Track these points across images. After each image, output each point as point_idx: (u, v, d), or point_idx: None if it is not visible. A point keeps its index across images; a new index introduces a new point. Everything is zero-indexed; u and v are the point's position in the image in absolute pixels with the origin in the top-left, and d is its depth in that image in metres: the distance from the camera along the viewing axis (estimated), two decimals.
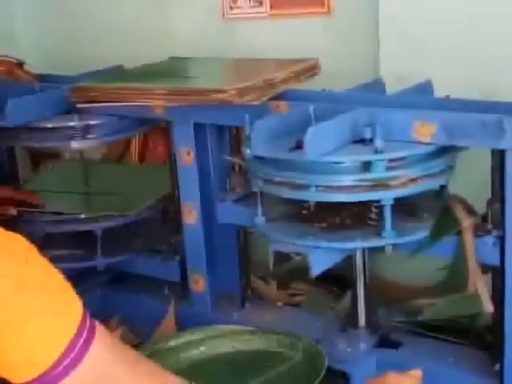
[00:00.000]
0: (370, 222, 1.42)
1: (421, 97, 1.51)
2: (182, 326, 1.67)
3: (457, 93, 1.47)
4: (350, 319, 1.56)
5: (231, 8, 2.03)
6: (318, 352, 1.42)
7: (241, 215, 1.60)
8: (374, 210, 1.41)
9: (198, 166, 1.66)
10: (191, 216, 1.68)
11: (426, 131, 1.34)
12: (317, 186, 1.34)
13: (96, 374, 0.99)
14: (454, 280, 1.43)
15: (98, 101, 1.68)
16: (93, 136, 1.71)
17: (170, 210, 1.82)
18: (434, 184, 1.40)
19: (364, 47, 1.82)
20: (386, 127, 1.34)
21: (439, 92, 1.54)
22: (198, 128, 1.64)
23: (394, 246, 1.38)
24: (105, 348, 1.00)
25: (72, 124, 1.69)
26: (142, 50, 2.11)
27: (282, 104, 1.53)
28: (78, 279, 1.81)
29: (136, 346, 1.52)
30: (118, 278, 1.93)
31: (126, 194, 1.89)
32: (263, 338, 1.51)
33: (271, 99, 1.54)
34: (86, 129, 1.69)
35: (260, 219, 1.47)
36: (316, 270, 1.35)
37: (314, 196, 1.36)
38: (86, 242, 1.79)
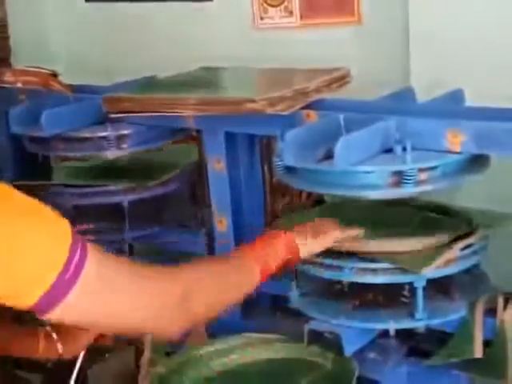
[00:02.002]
0: (402, 300, 1.44)
1: (451, 105, 1.51)
2: (212, 333, 1.68)
3: (487, 101, 1.46)
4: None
5: (262, 18, 2.05)
6: (349, 361, 1.42)
7: (275, 285, 1.58)
8: (406, 287, 1.43)
9: (228, 175, 1.67)
10: (222, 225, 1.69)
11: (457, 140, 1.34)
12: (351, 268, 1.40)
13: (99, 279, 1.04)
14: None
15: (130, 111, 1.70)
16: (125, 145, 1.73)
17: (196, 185, 1.84)
18: (466, 265, 1.43)
19: (394, 56, 1.83)
20: (416, 137, 1.34)
21: (470, 101, 1.54)
22: (229, 137, 1.66)
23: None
24: (99, 258, 1.05)
25: (105, 134, 1.72)
26: (174, 59, 2.13)
27: (313, 113, 1.53)
28: None
29: (168, 354, 1.53)
30: None
31: (152, 166, 1.90)
32: (294, 347, 1.52)
33: (302, 108, 1.55)
34: (119, 138, 1.72)
35: (294, 293, 1.51)
36: (349, 349, 1.40)
37: (348, 277, 1.42)
38: (114, 216, 1.80)
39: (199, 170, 1.78)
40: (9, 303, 1.02)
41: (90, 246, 1.05)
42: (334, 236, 1.42)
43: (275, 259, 1.34)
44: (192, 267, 1.24)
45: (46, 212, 1.04)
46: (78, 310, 1.04)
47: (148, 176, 1.82)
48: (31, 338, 1.41)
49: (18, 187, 1.09)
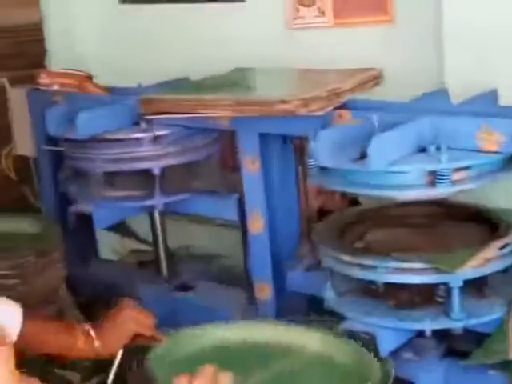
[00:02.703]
0: (438, 300, 1.44)
1: (486, 105, 1.50)
2: None
3: None
4: None
5: (295, 18, 2.05)
6: (386, 360, 1.41)
7: (310, 285, 1.63)
8: (441, 287, 1.43)
9: (262, 175, 1.68)
10: (257, 224, 1.70)
11: (492, 139, 1.34)
12: (386, 268, 1.40)
13: None
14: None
15: (165, 112, 1.72)
16: (160, 146, 1.75)
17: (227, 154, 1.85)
18: (503, 264, 1.43)
19: (428, 55, 1.82)
20: (450, 136, 1.34)
21: (504, 101, 1.53)
22: (263, 138, 1.67)
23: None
24: None
25: (140, 135, 1.74)
26: (206, 60, 2.14)
27: (346, 113, 1.54)
28: (146, 288, 1.89)
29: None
30: (183, 286, 1.96)
31: None
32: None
33: (335, 109, 1.55)
34: (154, 139, 1.73)
35: (330, 293, 1.51)
36: (384, 349, 1.40)
37: (382, 277, 1.42)
38: (145, 182, 1.80)
39: (231, 138, 1.78)
40: None
41: None
42: None
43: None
44: None
45: None
46: None
47: None
48: (68, 336, 1.43)
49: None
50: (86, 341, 1.43)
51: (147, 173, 1.77)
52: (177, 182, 1.82)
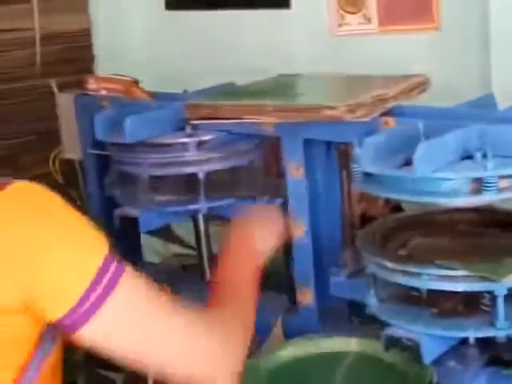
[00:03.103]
0: (482, 308, 1.43)
1: None
2: (290, 338, 1.70)
3: None
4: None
5: (340, 25, 2.05)
6: (429, 368, 1.41)
7: (353, 291, 1.63)
8: (486, 295, 1.42)
9: (306, 181, 1.68)
10: (300, 230, 1.71)
11: None
12: (429, 275, 1.39)
13: (130, 303, 1.00)
14: None
15: (210, 117, 1.73)
16: (206, 152, 1.76)
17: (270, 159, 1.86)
18: None
19: (474, 62, 1.81)
20: (497, 143, 1.33)
21: None
22: (308, 144, 1.67)
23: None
24: (135, 283, 1.02)
25: (186, 140, 1.76)
26: (251, 66, 2.16)
27: (391, 120, 1.54)
28: (189, 292, 1.91)
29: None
30: None
31: None
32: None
33: (380, 115, 1.56)
34: (200, 145, 1.75)
35: (373, 300, 1.51)
36: (428, 357, 1.39)
37: (426, 284, 1.41)
38: (189, 188, 1.82)
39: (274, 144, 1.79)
40: (37, 315, 0.98)
41: (127, 272, 1.01)
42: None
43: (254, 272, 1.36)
44: (222, 316, 1.17)
45: (84, 227, 1.01)
46: (102, 336, 0.99)
47: None
48: None
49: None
50: None
51: (192, 178, 1.79)
52: (221, 187, 1.84)
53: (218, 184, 1.83)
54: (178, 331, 1.06)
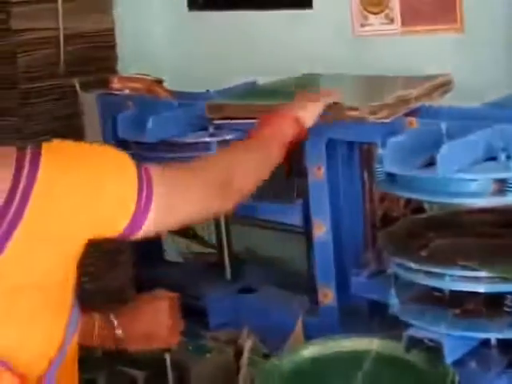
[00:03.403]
0: (505, 309, 1.42)
1: None
2: (310, 338, 1.70)
3: None
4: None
5: (362, 25, 2.05)
6: (450, 369, 1.41)
7: (375, 291, 1.64)
8: (509, 296, 1.42)
9: (328, 181, 1.68)
10: (321, 230, 1.71)
11: None
12: (451, 276, 1.39)
13: (167, 194, 1.19)
14: None
15: (232, 117, 1.74)
16: None
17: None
18: None
19: (497, 63, 1.81)
20: None
21: None
22: (330, 144, 1.67)
23: None
24: (161, 174, 1.20)
25: (208, 139, 1.76)
26: (273, 66, 2.16)
27: (414, 121, 1.53)
28: (210, 290, 1.92)
29: (267, 356, 1.57)
30: (247, 289, 1.98)
31: None
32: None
33: (404, 116, 1.55)
34: (221, 144, 1.76)
35: (394, 300, 1.51)
36: (449, 358, 1.39)
37: (449, 285, 1.41)
38: None
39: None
40: (99, 234, 1.13)
41: (151, 168, 1.18)
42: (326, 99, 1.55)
43: (284, 139, 1.46)
44: (234, 150, 1.44)
45: (109, 150, 1.19)
46: (157, 223, 1.18)
47: None
48: (86, 325, 1.36)
49: None
50: (103, 330, 1.41)
51: None
52: None
53: None
54: (196, 177, 1.29)
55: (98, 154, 1.16)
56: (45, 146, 1.11)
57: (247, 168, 1.40)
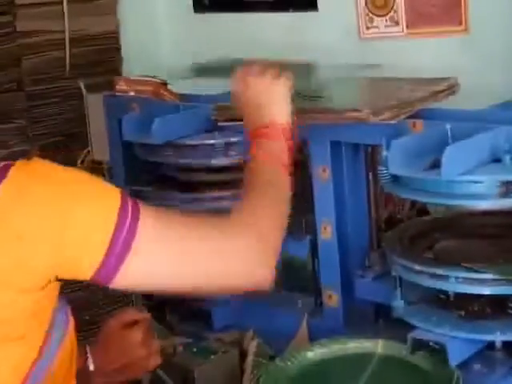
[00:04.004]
0: (510, 311, 1.42)
1: None
2: (315, 340, 1.70)
3: None
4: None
5: (368, 28, 2.05)
6: (455, 371, 1.41)
7: (379, 293, 1.63)
8: None
9: (333, 183, 1.69)
10: (326, 232, 1.71)
11: None
12: (456, 278, 1.39)
13: (157, 239, 1.01)
14: None
15: (238, 119, 1.74)
16: (233, 153, 1.77)
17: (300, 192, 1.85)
18: None
19: (503, 65, 1.80)
20: None
21: None
22: (334, 146, 1.68)
23: None
24: (155, 218, 1.03)
25: (213, 141, 1.77)
26: None
27: (419, 123, 1.53)
28: None
29: (272, 358, 1.57)
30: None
31: None
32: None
33: (408, 118, 1.55)
34: (227, 146, 1.76)
35: (399, 302, 1.51)
36: (454, 360, 1.38)
37: (453, 287, 1.41)
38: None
39: (303, 179, 1.80)
40: (70, 276, 1.00)
41: (143, 207, 1.03)
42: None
43: (285, 154, 1.28)
44: (248, 205, 1.19)
45: (91, 180, 1.04)
46: (141, 274, 1.01)
47: None
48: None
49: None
50: (79, 361, 1.26)
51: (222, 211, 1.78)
52: None
53: None
54: (208, 239, 1.07)
55: (73, 180, 1.02)
56: (19, 163, 1.01)
57: (271, 215, 1.18)
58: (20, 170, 1.00)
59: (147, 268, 1.01)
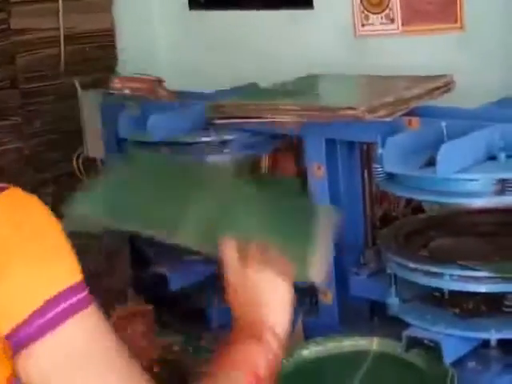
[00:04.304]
0: (504, 309, 1.42)
1: None
2: (310, 338, 1.70)
3: None
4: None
5: (363, 25, 2.05)
6: (450, 369, 1.41)
7: (374, 291, 1.64)
8: (509, 296, 1.42)
9: (328, 180, 1.68)
10: None
11: None
12: (451, 275, 1.39)
13: (71, 349, 0.89)
14: None
15: (233, 117, 1.74)
16: (228, 151, 1.77)
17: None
18: None
19: (498, 63, 1.80)
20: None
21: None
22: (329, 143, 1.67)
23: None
24: (90, 327, 0.91)
25: (208, 139, 1.76)
26: (274, 66, 2.16)
27: (415, 120, 1.53)
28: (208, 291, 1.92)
29: None
30: None
31: None
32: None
33: (403, 115, 1.55)
34: (222, 144, 1.76)
35: (394, 300, 1.51)
36: (449, 358, 1.38)
37: (448, 285, 1.41)
38: None
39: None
40: None
41: (91, 310, 0.92)
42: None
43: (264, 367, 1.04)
44: None
45: (61, 251, 0.93)
46: (39, 370, 0.90)
47: None
48: None
49: None
50: None
51: None
52: None
53: None
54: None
55: (45, 234, 0.91)
56: (14, 192, 0.92)
57: None
58: (6, 197, 0.92)
59: (47, 365, 0.90)
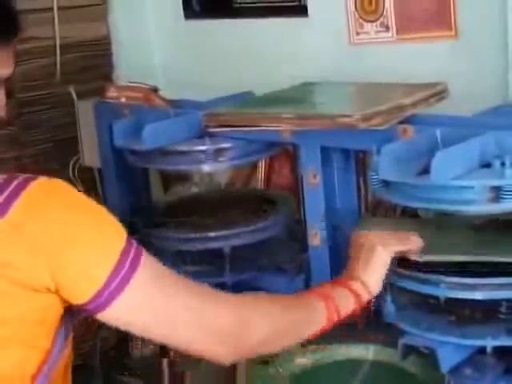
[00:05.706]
0: (500, 316, 1.42)
1: None
2: (306, 345, 1.69)
3: None
4: None
5: (358, 33, 2.06)
6: (446, 376, 1.41)
7: None
8: (504, 303, 1.42)
9: (324, 189, 1.69)
10: (317, 238, 1.71)
11: None
12: (446, 283, 1.39)
13: (152, 285, 1.06)
14: None
15: (228, 125, 1.74)
16: (223, 159, 1.77)
17: (295, 230, 1.87)
18: None
19: (493, 71, 1.81)
20: None
21: None
22: (325, 151, 1.68)
23: None
24: (154, 265, 1.08)
25: (204, 148, 1.76)
26: (269, 75, 2.17)
27: (409, 128, 1.54)
28: None
29: (263, 363, 1.56)
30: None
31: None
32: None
33: (398, 123, 1.56)
34: (217, 152, 1.76)
35: (390, 307, 1.50)
36: (445, 365, 1.39)
37: (444, 292, 1.41)
38: (215, 259, 1.84)
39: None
40: (64, 297, 1.05)
41: (145, 254, 1.08)
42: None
43: (345, 309, 1.34)
44: (255, 297, 1.23)
45: (103, 213, 1.08)
46: (129, 313, 1.06)
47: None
48: None
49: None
50: None
51: (216, 250, 1.82)
52: (246, 260, 1.85)
53: (243, 258, 1.85)
54: (189, 308, 1.10)
55: (87, 210, 1.07)
56: (42, 179, 1.05)
57: (270, 325, 1.19)
58: (40, 186, 1.04)
59: (137, 309, 1.07)
